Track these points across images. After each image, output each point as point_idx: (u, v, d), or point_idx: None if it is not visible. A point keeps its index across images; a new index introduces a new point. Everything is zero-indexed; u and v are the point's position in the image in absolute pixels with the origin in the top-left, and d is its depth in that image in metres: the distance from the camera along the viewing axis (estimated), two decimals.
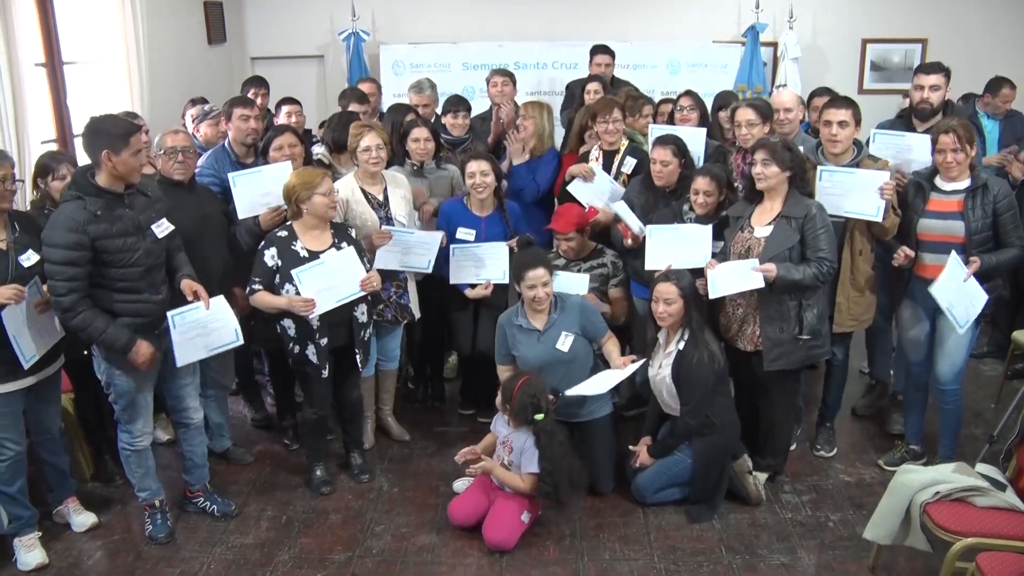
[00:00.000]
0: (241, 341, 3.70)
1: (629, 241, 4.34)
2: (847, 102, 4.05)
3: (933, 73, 4.37)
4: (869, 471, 4.29)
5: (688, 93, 5.22)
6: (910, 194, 3.96)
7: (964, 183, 3.84)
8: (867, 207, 3.86)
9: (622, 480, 4.08)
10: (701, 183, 4.13)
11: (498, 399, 3.85)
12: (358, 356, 4.03)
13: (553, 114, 5.11)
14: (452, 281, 4.44)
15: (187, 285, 3.57)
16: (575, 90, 6.03)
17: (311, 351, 3.90)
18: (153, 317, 3.50)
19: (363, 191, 4.25)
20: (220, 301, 3.63)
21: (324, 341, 3.90)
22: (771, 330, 3.80)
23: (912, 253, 3.88)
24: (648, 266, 4.06)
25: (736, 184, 4.33)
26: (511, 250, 4.41)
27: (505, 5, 7.89)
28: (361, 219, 4.19)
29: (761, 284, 3.72)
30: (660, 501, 3.93)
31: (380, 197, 4.28)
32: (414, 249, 4.27)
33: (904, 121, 4.47)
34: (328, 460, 4.32)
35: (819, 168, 3.96)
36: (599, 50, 6.18)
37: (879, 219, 3.87)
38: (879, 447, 4.51)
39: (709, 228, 4.03)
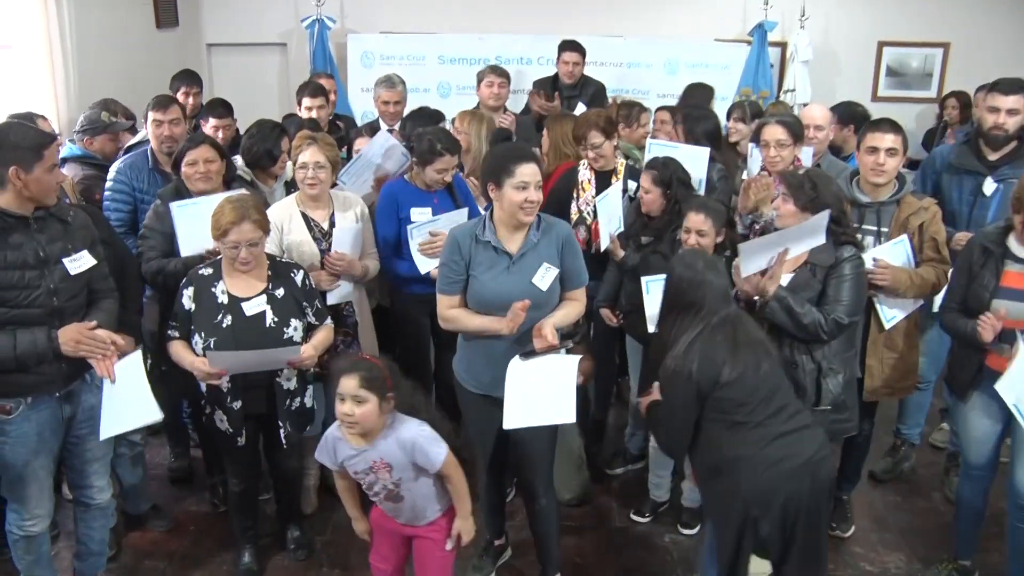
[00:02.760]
0: (161, 416, 3.00)
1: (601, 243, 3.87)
2: (895, 126, 3.36)
3: (1013, 94, 3.57)
4: (894, 558, 3.67)
5: (665, 108, 4.77)
6: (975, 263, 3.08)
7: None
8: (892, 311, 3.38)
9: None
10: (694, 220, 3.43)
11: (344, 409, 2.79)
12: (281, 430, 3.28)
13: (494, 127, 4.44)
14: (422, 270, 3.66)
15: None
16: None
17: (219, 417, 3.22)
18: (52, 376, 2.81)
19: (304, 216, 3.56)
20: (136, 360, 2.94)
21: (237, 405, 3.20)
22: None
23: (1000, 315, 2.96)
24: (650, 328, 3.33)
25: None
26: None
27: None
28: (298, 251, 3.50)
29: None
30: None
31: (324, 224, 3.59)
32: None
33: (971, 147, 3.70)
34: (258, 539, 3.62)
35: (891, 241, 3.32)
36: (567, 46, 5.61)
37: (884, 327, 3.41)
38: (906, 524, 3.90)
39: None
